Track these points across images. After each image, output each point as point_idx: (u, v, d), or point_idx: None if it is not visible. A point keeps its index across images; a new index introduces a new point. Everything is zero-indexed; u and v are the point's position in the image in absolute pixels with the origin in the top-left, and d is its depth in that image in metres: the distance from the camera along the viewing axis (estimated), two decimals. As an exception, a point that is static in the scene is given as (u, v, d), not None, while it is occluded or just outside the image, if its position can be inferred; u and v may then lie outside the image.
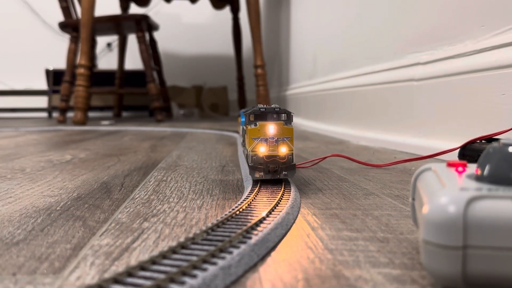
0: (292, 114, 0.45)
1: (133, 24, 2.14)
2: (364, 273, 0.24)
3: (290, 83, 2.15)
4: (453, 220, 0.19)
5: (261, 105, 0.45)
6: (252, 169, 0.43)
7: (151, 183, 0.52)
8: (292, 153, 0.43)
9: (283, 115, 0.44)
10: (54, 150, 0.92)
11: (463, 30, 0.72)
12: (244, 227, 0.29)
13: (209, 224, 0.30)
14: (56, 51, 3.01)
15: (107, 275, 0.24)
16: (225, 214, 0.32)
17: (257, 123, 0.43)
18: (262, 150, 0.43)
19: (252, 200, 0.37)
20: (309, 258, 0.26)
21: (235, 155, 0.81)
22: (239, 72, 2.72)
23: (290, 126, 0.44)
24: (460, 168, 0.26)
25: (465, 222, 0.19)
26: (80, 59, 1.86)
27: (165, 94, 2.62)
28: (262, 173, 0.43)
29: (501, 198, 0.20)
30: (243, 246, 0.26)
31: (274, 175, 0.43)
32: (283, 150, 0.43)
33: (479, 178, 0.23)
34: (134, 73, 2.90)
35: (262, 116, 0.44)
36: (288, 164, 0.43)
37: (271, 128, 0.43)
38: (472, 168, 0.26)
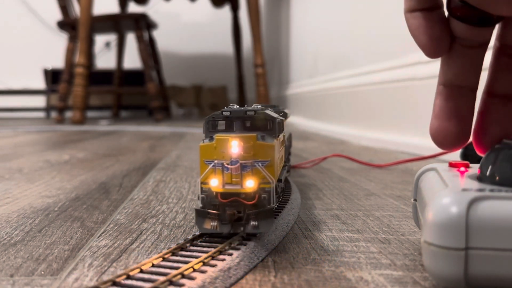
0: (278, 120, 0.27)
1: (132, 23, 2.14)
2: (366, 274, 0.24)
3: (291, 82, 2.15)
4: (455, 221, 0.19)
5: (233, 105, 0.28)
6: (200, 214, 0.26)
7: (150, 183, 0.52)
8: (271, 188, 0.26)
9: (267, 122, 0.27)
10: (52, 150, 0.92)
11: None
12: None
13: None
14: (54, 50, 3.00)
15: (105, 277, 0.24)
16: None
17: (213, 137, 0.26)
18: (215, 184, 0.26)
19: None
20: (310, 260, 0.26)
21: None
22: (238, 71, 2.71)
23: (271, 142, 0.26)
24: (462, 169, 0.26)
25: (468, 223, 0.19)
26: (78, 58, 1.86)
27: (164, 93, 2.62)
28: (215, 223, 0.26)
29: (503, 199, 0.20)
30: (242, 248, 0.26)
31: (235, 227, 0.26)
32: (249, 184, 0.25)
33: (481, 179, 0.23)
34: (132, 72, 2.89)
35: (227, 124, 0.27)
36: (261, 209, 0.25)
37: (234, 145, 0.25)
38: (474, 168, 0.26)
